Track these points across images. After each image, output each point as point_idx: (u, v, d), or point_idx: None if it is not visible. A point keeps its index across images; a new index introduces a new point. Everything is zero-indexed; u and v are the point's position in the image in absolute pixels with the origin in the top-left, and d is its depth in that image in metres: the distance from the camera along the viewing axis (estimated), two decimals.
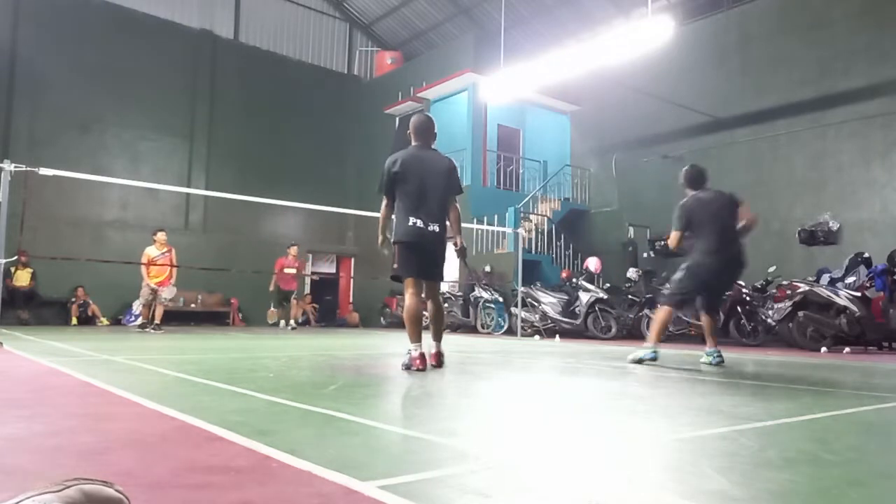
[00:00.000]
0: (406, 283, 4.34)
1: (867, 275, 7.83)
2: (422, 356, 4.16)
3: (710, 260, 5.09)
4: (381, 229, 4.53)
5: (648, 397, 3.15)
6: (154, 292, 10.06)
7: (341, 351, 6.39)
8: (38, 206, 10.30)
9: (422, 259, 4.35)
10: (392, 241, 4.41)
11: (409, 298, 4.32)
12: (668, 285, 5.68)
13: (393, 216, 4.46)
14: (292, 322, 12.65)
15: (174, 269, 10.23)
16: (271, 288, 12.37)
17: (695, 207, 5.23)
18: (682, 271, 5.22)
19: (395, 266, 4.38)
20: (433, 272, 4.47)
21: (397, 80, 16.86)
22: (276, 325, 12.91)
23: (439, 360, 4.35)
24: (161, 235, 10.13)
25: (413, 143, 4.52)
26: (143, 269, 10.09)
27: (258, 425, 2.11)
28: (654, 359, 5.03)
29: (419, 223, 4.26)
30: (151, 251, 10.10)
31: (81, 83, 14.06)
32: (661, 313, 5.25)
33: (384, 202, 4.45)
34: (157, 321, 10.09)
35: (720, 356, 5.21)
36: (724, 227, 5.16)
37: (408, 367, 4.10)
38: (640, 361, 5.04)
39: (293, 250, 12.42)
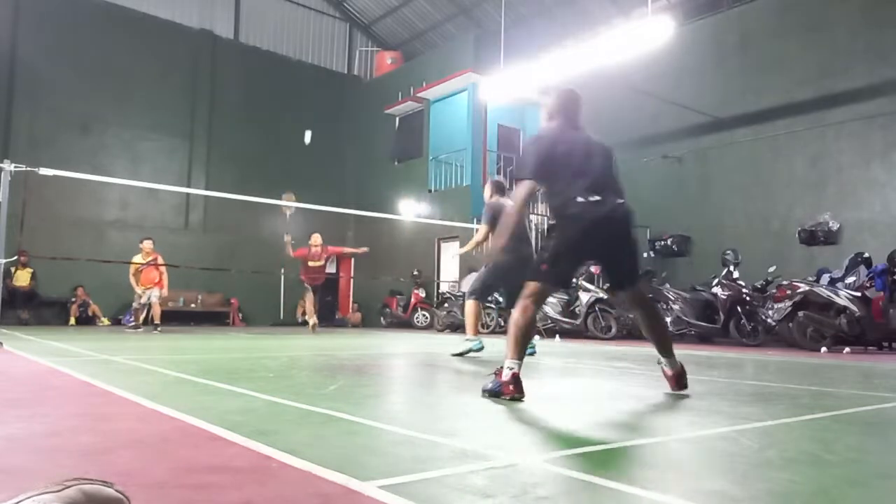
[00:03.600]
0: (532, 287, 3.06)
1: (867, 275, 7.82)
2: (517, 379, 2.86)
3: None
4: (509, 228, 3.51)
5: (649, 397, 3.15)
6: (147, 296, 10.19)
7: (341, 351, 6.39)
8: (38, 206, 10.29)
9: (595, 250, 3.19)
10: (553, 223, 3.20)
11: (527, 306, 3.02)
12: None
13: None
14: (313, 319, 11.01)
15: (164, 275, 10.34)
16: (302, 276, 10.89)
17: None
18: None
19: (544, 266, 3.07)
20: (623, 272, 3.30)
21: (397, 80, 16.86)
22: (305, 323, 12.51)
23: (680, 381, 3.20)
24: (147, 244, 10.27)
25: (554, 124, 3.36)
26: (131, 279, 10.26)
27: (258, 425, 2.11)
28: None
29: (596, 197, 3.04)
30: (137, 260, 10.28)
31: (81, 83, 14.07)
32: None
33: (525, 189, 3.19)
34: (156, 321, 10.10)
35: None
36: None
37: (495, 394, 2.87)
38: None
39: (315, 238, 10.88)
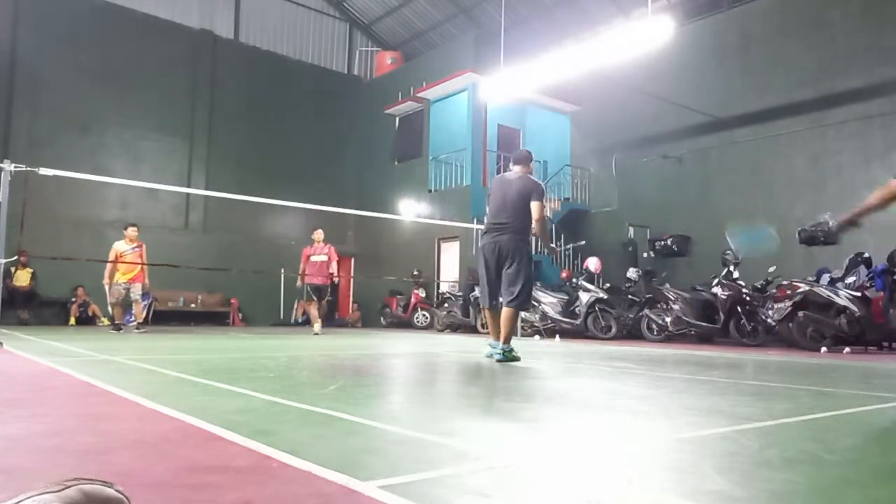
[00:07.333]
0: None
1: (867, 275, 7.83)
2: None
3: None
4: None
5: (649, 397, 3.15)
6: (127, 291, 9.53)
7: (341, 351, 6.39)
8: (38, 206, 10.28)
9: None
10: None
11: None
12: None
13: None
14: (316, 325, 10.58)
15: (146, 267, 9.73)
16: (298, 283, 10.86)
17: None
18: None
19: None
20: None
21: (397, 80, 16.87)
22: (307, 322, 12.36)
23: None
24: (132, 231, 9.67)
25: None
26: (108, 266, 9.58)
27: (258, 425, 2.11)
28: None
29: None
30: (120, 246, 9.61)
31: (81, 83, 14.07)
32: None
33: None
34: (139, 320, 9.61)
35: None
36: None
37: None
38: None
39: (318, 234, 10.61)
